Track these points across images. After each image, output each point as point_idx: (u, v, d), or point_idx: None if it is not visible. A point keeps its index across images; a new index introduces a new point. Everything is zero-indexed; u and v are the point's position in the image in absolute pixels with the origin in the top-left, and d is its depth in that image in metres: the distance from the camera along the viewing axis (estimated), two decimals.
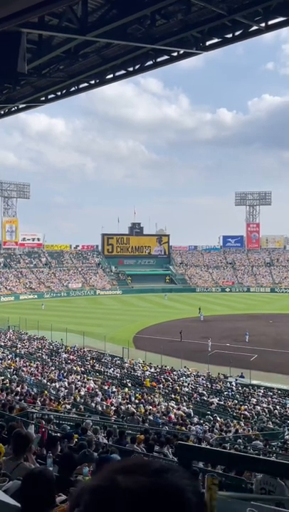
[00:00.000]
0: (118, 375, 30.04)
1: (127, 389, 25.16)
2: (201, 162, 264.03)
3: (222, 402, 25.32)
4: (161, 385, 27.70)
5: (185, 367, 33.95)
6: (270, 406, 24.79)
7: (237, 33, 12.57)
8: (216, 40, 13.05)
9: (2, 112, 18.44)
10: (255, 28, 12.22)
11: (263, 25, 11.99)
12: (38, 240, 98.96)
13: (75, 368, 29.88)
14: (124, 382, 27.84)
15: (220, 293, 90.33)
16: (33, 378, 25.59)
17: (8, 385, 20.82)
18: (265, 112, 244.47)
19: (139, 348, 40.12)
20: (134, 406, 20.78)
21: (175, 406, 22.30)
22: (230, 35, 12.71)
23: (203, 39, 13.03)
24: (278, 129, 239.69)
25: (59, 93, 16.77)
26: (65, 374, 27.60)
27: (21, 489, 3.10)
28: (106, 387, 25.04)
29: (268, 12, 11.70)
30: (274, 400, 26.69)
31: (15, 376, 25.09)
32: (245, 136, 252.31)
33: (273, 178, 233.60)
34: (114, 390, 24.69)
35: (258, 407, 24.25)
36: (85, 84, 16.18)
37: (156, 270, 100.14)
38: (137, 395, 24.21)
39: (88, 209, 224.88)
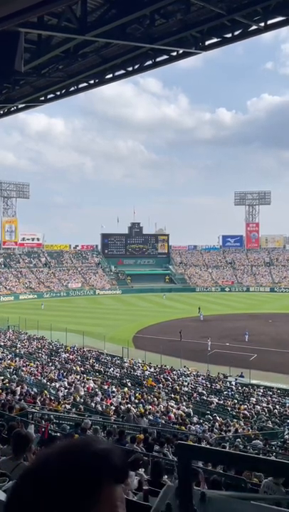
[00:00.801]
0: (118, 374, 30.04)
1: (126, 389, 25.14)
2: (201, 162, 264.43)
3: (222, 402, 25.32)
4: (161, 385, 27.69)
5: (185, 366, 33.97)
6: (270, 405, 24.81)
7: (236, 33, 12.59)
8: (215, 40, 13.07)
9: (1, 112, 18.44)
10: (254, 27, 12.24)
11: (262, 24, 12.01)
12: (38, 239, 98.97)
13: (74, 368, 29.87)
14: (124, 381, 27.82)
15: (219, 292, 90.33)
16: (32, 378, 25.57)
17: (7, 384, 20.80)
18: (265, 111, 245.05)
19: (138, 347, 40.11)
20: (134, 406, 20.76)
21: (175, 406, 22.30)
22: (229, 35, 12.74)
23: (203, 39, 13.05)
24: (277, 128, 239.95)
25: (58, 93, 16.77)
26: (64, 374, 27.59)
27: None
28: (106, 387, 25.04)
29: (267, 12, 11.71)
30: (274, 399, 26.70)
31: (14, 376, 25.07)
32: (244, 135, 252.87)
33: (272, 178, 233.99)
34: (114, 389, 24.67)
35: (258, 407, 24.26)
36: (85, 84, 16.18)
37: (155, 270, 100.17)
38: (136, 394, 24.20)
39: (88, 209, 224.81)
